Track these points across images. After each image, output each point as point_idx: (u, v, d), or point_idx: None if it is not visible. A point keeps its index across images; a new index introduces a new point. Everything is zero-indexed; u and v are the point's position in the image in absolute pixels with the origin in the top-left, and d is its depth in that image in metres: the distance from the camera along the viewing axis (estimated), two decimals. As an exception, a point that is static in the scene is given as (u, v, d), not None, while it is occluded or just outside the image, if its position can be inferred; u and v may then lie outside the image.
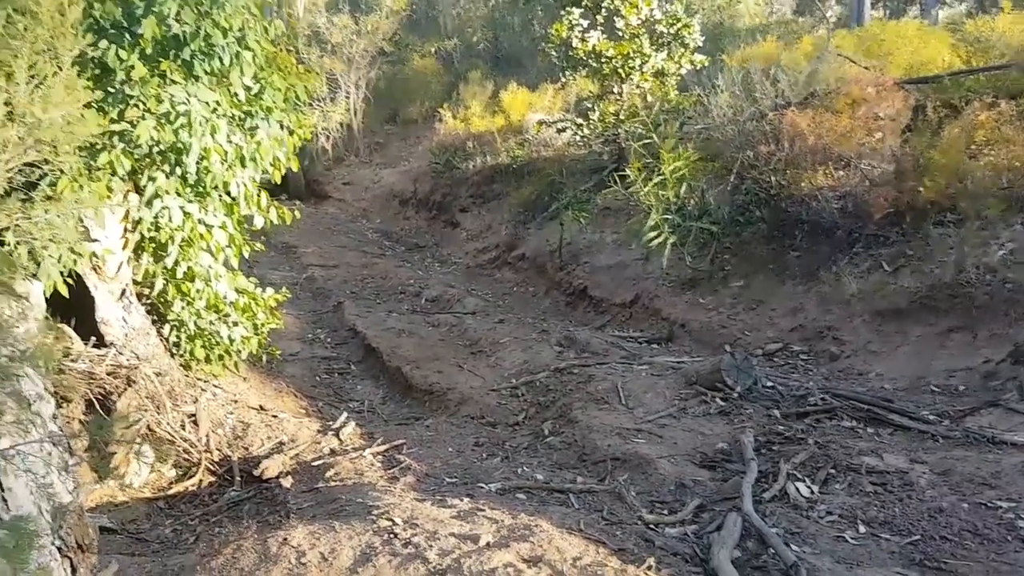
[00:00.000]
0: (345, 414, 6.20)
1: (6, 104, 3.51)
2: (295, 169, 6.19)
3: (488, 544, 3.55)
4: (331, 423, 6.06)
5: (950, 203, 6.79)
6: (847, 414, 5.36)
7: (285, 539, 3.66)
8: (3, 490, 2.66)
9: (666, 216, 8.14)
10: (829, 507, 4.20)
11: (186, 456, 5.27)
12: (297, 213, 6.19)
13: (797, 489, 4.37)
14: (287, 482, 4.96)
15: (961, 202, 6.60)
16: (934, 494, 4.21)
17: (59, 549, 2.86)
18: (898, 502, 4.16)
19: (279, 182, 6.03)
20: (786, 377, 6.25)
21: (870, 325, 6.64)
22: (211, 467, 5.27)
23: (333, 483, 4.84)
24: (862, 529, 3.97)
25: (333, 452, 5.49)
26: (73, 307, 5.01)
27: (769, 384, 5.90)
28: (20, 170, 3.68)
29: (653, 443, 5.14)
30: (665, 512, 4.31)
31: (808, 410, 5.47)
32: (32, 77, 3.44)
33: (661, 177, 8.19)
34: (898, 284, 6.65)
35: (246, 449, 5.50)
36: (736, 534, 3.88)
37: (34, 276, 4.31)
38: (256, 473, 5.14)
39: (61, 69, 3.57)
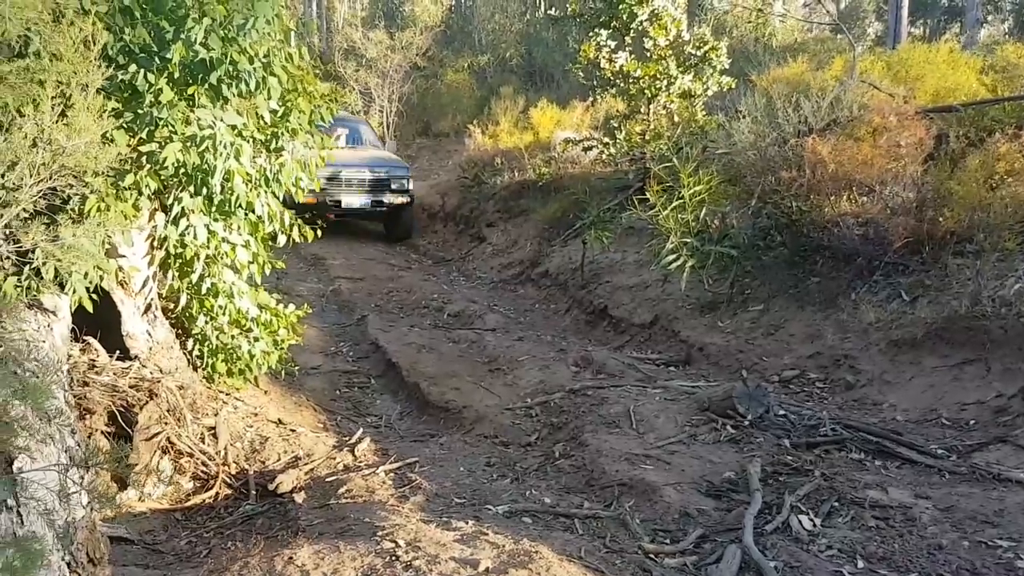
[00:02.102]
0: (361, 430, 6.30)
1: (35, 128, 3.66)
2: (317, 189, 6.31)
3: (487, 570, 3.62)
4: (347, 438, 6.16)
5: (969, 234, 6.77)
6: (856, 446, 5.36)
7: (291, 558, 3.76)
8: (19, 505, 2.78)
9: (685, 239, 8.17)
10: (830, 541, 4.21)
11: (204, 469, 5.41)
12: (319, 232, 6.31)
13: (800, 522, 4.39)
14: (300, 497, 5.07)
15: (980, 233, 6.57)
16: (935, 531, 4.21)
17: (68, 565, 2.98)
18: (899, 538, 4.17)
19: (299, 201, 6.12)
20: (800, 405, 6.25)
21: (886, 355, 6.62)
22: (228, 480, 5.40)
23: (344, 500, 4.94)
24: (860, 564, 3.99)
25: (347, 468, 5.59)
26: (100, 320, 5.18)
27: (781, 412, 5.91)
28: (45, 194, 3.83)
29: (661, 470, 5.18)
30: (667, 541, 4.35)
31: (818, 440, 5.47)
32: (56, 106, 3.59)
33: (680, 200, 8.24)
34: (915, 314, 6.62)
35: (263, 463, 5.62)
36: (735, 567, 3.92)
37: (61, 289, 4.45)
38: (271, 487, 5.26)
39: (86, 98, 3.72)
